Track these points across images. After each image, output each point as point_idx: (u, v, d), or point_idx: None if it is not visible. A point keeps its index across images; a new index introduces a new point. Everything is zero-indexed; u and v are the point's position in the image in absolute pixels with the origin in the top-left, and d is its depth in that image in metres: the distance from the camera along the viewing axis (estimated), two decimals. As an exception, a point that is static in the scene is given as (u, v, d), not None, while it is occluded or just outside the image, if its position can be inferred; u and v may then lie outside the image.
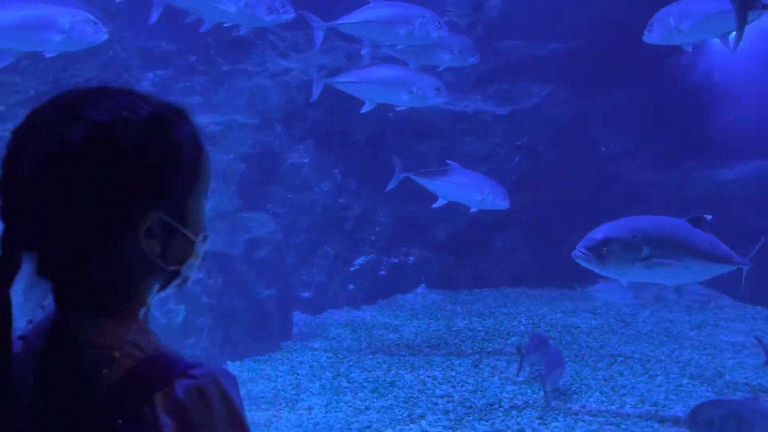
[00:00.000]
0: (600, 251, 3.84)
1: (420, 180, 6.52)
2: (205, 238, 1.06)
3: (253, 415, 4.50)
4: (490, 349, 6.29)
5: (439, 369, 5.65)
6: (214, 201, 6.32)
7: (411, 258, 8.55)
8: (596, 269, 4.06)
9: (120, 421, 0.90)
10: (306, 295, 7.50)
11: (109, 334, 0.95)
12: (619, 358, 6.02)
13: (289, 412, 4.62)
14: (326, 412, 4.61)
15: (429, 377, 5.47)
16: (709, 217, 4.04)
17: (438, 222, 8.18)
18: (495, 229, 8.41)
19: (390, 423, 4.37)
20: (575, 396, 4.99)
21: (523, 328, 6.99)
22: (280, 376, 5.43)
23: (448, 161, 6.93)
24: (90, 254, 0.94)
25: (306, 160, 8.01)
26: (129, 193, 0.95)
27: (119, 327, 0.97)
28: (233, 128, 7.00)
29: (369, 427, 4.30)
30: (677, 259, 3.93)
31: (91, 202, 0.93)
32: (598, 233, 3.96)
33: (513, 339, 6.70)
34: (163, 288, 1.04)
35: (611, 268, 4.03)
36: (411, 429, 4.27)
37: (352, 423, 4.38)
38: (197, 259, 1.05)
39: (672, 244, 4.00)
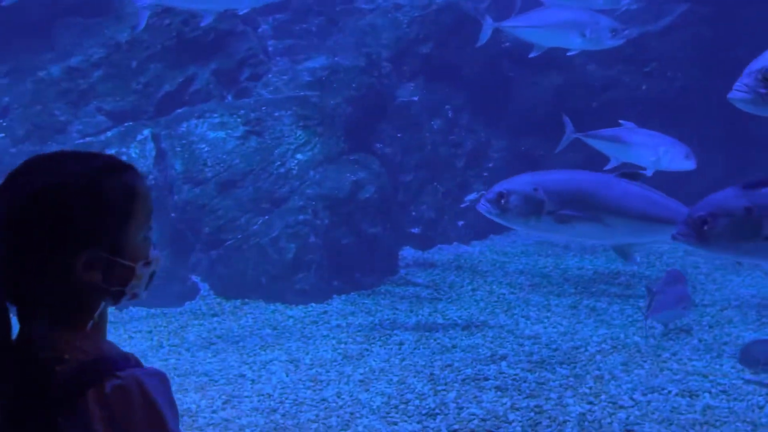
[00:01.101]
0: (499, 203, 3.86)
1: (590, 141, 6.33)
2: (147, 263, 1.31)
3: (346, 348, 4.92)
4: (593, 290, 6.24)
5: (535, 309, 5.72)
6: (321, 145, 6.67)
7: (527, 193, 8.46)
8: (499, 221, 4.09)
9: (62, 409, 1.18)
10: (415, 231, 7.75)
11: (62, 341, 1.24)
12: (734, 303, 5.74)
13: (380, 346, 4.96)
14: (414, 348, 4.90)
15: (522, 317, 5.56)
16: (648, 173, 3.86)
17: (556, 156, 7.98)
18: (619, 162, 8.10)
19: (471, 363, 4.58)
20: (670, 342, 4.88)
21: (635, 267, 6.79)
22: (380, 311, 5.79)
23: (621, 121, 6.68)
24: (41, 285, 1.24)
25: (416, 98, 8.10)
26: (63, 240, 1.23)
27: (70, 335, 1.25)
28: (339, 72, 7.22)
29: (450, 365, 4.53)
30: (587, 214, 3.78)
31: (37, 248, 1.23)
32: (499, 186, 3.98)
33: (621, 279, 6.58)
34: (115, 302, 1.31)
35: (514, 221, 4.04)
36: (489, 369, 4.45)
37: (435, 360, 4.63)
38: (140, 279, 1.31)
39: (582, 200, 3.85)
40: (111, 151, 5.81)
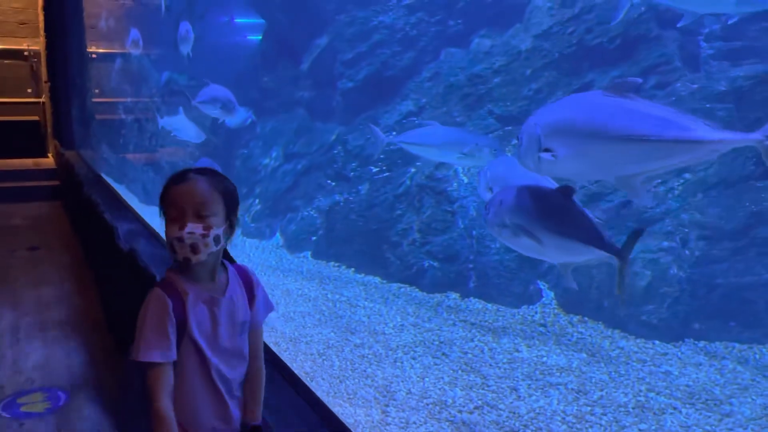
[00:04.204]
0: None
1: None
2: (170, 244, 2.04)
3: (655, 399, 4.23)
4: None
5: None
6: (718, 165, 5.70)
7: None
8: None
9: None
10: None
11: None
12: None
13: (696, 411, 4.10)
14: None
15: None
16: (575, 187, 3.40)
17: None
18: None
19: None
20: None
21: None
22: (737, 373, 4.71)
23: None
24: None
25: None
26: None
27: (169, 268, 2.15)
28: (766, 82, 5.95)
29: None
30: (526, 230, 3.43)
31: None
32: None
33: None
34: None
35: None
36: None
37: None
38: (172, 250, 2.04)
39: (521, 212, 3.42)
40: (484, 153, 6.22)
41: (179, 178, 2.07)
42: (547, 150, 2.98)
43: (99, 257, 6.87)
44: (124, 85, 12.30)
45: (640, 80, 2.96)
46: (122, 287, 5.17)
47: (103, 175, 10.68)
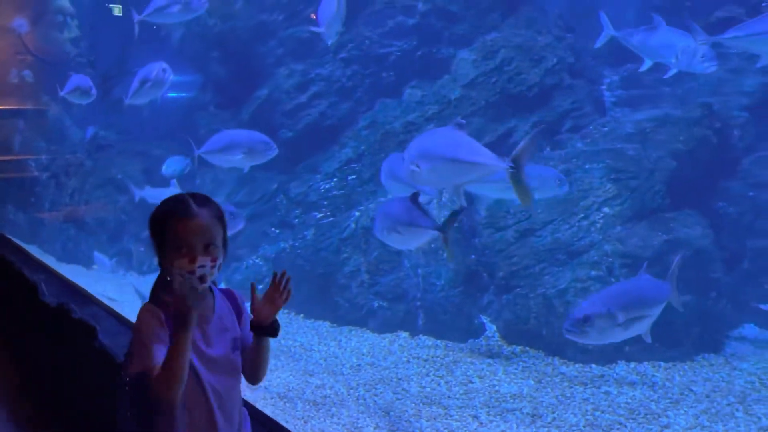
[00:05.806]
0: None
1: None
2: (172, 265, 2.15)
3: (601, 417, 4.60)
4: None
5: None
6: (632, 200, 6.30)
7: None
8: None
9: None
10: (766, 307, 6.62)
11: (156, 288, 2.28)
12: None
13: (638, 424, 4.50)
14: (677, 437, 4.31)
15: None
16: (420, 194, 4.75)
17: None
18: None
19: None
20: None
21: None
22: (667, 389, 5.18)
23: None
24: None
25: (781, 151, 6.96)
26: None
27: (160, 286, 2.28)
28: (667, 124, 6.70)
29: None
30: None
31: None
32: None
33: None
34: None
35: None
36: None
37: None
38: (174, 275, 2.14)
39: (389, 216, 4.83)
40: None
41: (183, 212, 2.20)
42: (417, 165, 4.15)
43: (13, 318, 6.61)
44: (36, 141, 11.89)
45: (464, 121, 4.16)
46: (48, 344, 5.03)
47: (8, 236, 10.22)
